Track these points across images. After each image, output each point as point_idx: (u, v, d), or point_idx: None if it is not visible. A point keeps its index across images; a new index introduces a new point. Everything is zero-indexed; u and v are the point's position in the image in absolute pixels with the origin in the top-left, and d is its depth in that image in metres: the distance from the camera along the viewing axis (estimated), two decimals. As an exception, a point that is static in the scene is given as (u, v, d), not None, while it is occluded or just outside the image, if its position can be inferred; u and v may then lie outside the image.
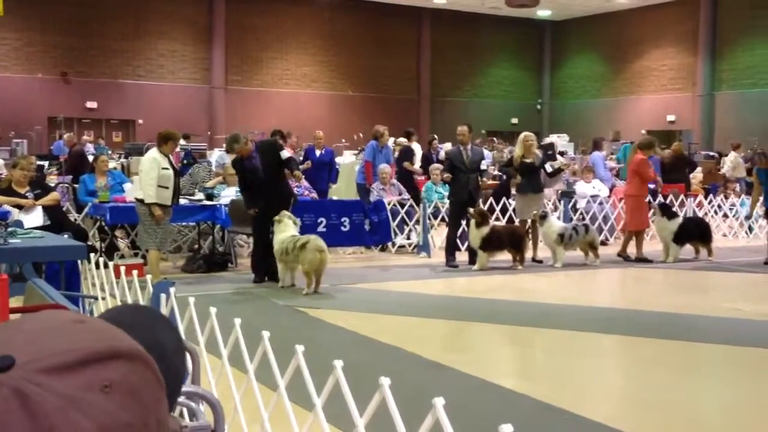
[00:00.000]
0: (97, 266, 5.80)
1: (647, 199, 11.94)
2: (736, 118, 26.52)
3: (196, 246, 10.89)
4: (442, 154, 15.25)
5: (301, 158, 13.62)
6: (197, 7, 27.66)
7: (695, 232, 11.76)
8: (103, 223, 10.28)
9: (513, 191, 12.15)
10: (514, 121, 33.05)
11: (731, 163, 19.20)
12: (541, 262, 11.23)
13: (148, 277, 5.28)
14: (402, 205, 12.45)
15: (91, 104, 26.41)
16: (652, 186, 12.50)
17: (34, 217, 8.86)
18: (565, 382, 5.73)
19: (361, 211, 11.70)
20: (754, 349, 6.64)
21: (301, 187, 12.04)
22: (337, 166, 14.94)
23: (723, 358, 6.47)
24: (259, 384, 3.84)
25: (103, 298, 5.50)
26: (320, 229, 11.06)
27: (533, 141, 11.54)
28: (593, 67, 32.32)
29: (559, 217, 12.07)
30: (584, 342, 6.93)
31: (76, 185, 11.64)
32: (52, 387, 0.75)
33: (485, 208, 13.03)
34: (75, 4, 25.65)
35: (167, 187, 8.94)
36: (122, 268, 5.35)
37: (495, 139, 23.40)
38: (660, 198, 13.10)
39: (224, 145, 11.20)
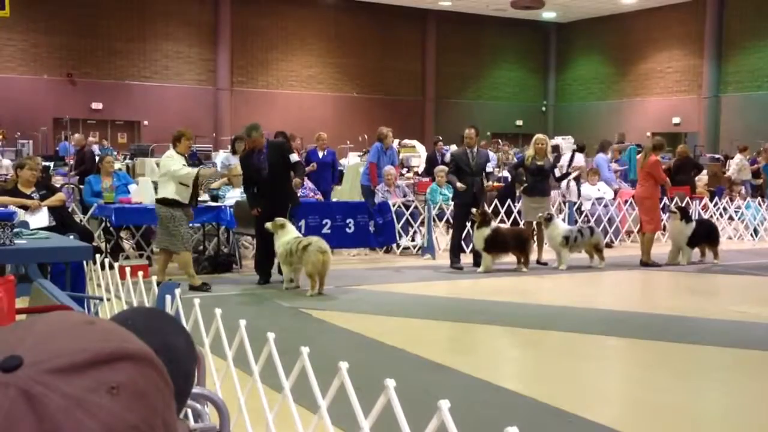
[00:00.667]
0: (103, 267, 5.81)
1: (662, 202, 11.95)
2: (742, 121, 26.47)
3: (201, 247, 10.89)
4: (447, 156, 15.26)
5: (304, 161, 13.62)
6: (203, 8, 27.71)
7: (704, 235, 11.76)
8: (109, 224, 10.29)
9: (518, 192, 12.15)
10: (519, 123, 33.04)
11: (737, 165, 19.15)
12: (546, 264, 11.22)
13: (154, 278, 5.29)
14: (407, 207, 12.45)
15: (97, 105, 26.46)
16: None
17: (40, 218, 8.88)
18: (570, 384, 5.72)
19: (365, 212, 11.70)
20: (759, 352, 6.63)
21: (306, 189, 12.05)
22: (340, 167, 14.95)
23: (728, 361, 6.46)
24: (263, 385, 3.84)
25: (109, 299, 5.51)
26: (325, 230, 11.06)
27: (545, 144, 11.53)
28: (598, 69, 32.28)
29: (564, 220, 12.06)
30: (589, 344, 6.92)
31: (81, 186, 11.66)
32: (58, 388, 0.75)
33: (489, 210, 13.07)
34: (81, 6, 25.70)
35: (187, 186, 8.95)
36: (127, 269, 5.35)
37: (500, 140, 23.38)
38: (676, 200, 13.03)
39: (231, 143, 11.17)
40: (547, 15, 31.47)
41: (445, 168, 12.49)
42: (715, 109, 27.83)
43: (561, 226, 11.20)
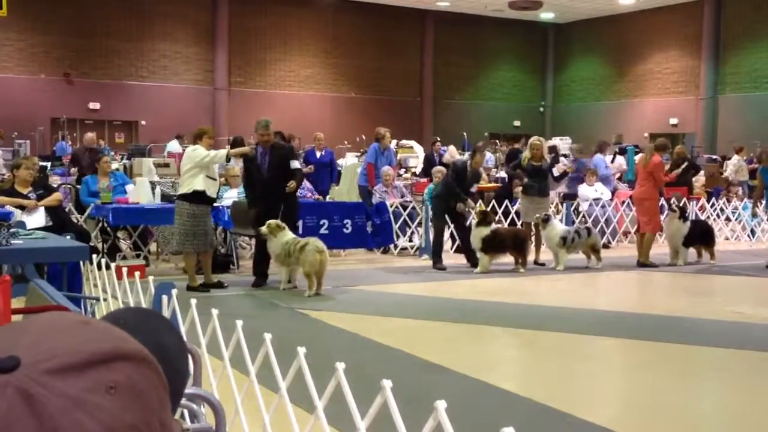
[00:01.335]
0: (99, 267, 5.80)
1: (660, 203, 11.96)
2: (739, 122, 26.50)
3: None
4: (446, 157, 15.27)
5: (302, 161, 13.62)
6: (201, 8, 27.69)
7: (699, 236, 11.77)
8: (106, 224, 10.28)
9: (515, 193, 12.17)
10: (517, 123, 33.05)
11: (734, 166, 19.18)
12: (543, 265, 11.23)
13: (150, 278, 5.28)
14: (404, 207, 12.45)
15: (94, 105, 26.44)
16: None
17: (37, 218, 8.86)
18: (567, 385, 5.72)
19: (363, 213, 11.70)
20: (756, 353, 6.64)
21: (304, 189, 12.04)
22: (338, 167, 14.96)
23: (725, 362, 6.47)
24: (260, 386, 3.84)
25: (105, 300, 5.50)
26: (322, 231, 11.06)
27: (542, 147, 11.56)
28: (596, 70, 32.31)
29: (561, 220, 12.06)
30: (586, 345, 6.92)
31: (78, 186, 11.65)
32: (56, 388, 0.75)
33: (487, 209, 13.07)
34: (78, 5, 25.68)
35: (215, 179, 8.90)
36: (124, 270, 5.35)
37: (497, 141, 23.39)
38: (674, 201, 13.04)
39: (230, 143, 11.12)
40: (545, 16, 31.49)
41: (443, 169, 12.50)
42: (712, 110, 27.86)
43: (558, 226, 11.20)
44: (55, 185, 11.49)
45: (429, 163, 15.61)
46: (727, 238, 14.56)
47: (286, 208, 9.17)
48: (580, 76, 32.99)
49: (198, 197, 8.76)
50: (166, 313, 4.25)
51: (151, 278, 5.24)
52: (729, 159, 20.56)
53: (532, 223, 11.38)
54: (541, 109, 34.30)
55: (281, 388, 3.57)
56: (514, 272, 10.65)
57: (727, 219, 15.13)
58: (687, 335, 7.24)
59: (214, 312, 4.08)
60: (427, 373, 5.77)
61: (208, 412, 2.37)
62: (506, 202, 13.02)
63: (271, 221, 8.86)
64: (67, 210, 10.28)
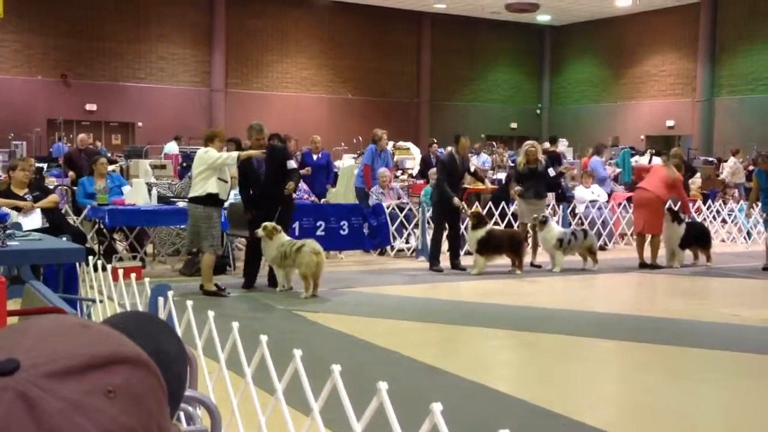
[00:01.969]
0: (96, 269, 5.79)
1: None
2: (736, 124, 26.55)
3: (195, 249, 10.87)
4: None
5: (298, 163, 13.61)
6: (198, 10, 27.68)
7: (696, 238, 11.79)
8: (102, 226, 10.27)
9: (513, 194, 12.19)
10: (514, 125, 33.07)
11: (730, 168, 19.22)
12: (539, 267, 11.24)
13: (146, 280, 5.27)
14: (401, 209, 12.45)
15: (91, 107, 26.41)
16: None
17: (33, 220, 8.85)
18: (563, 387, 5.72)
19: (359, 214, 11.70)
20: (752, 355, 6.64)
21: (300, 191, 12.04)
22: (335, 169, 14.95)
23: (721, 364, 6.47)
24: (256, 388, 3.84)
25: (101, 301, 5.50)
26: (319, 232, 11.06)
27: (535, 149, 11.57)
28: (593, 72, 32.35)
29: (558, 222, 12.07)
30: (582, 347, 6.93)
31: (75, 187, 11.63)
32: (56, 391, 0.75)
33: (484, 212, 13.09)
34: (75, 6, 25.66)
35: (226, 181, 8.87)
36: (120, 271, 5.34)
37: (494, 143, 23.40)
38: (669, 203, 13.06)
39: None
40: (542, 18, 31.52)
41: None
42: (708, 113, 27.90)
43: (555, 228, 11.21)
44: (51, 187, 11.48)
45: (426, 164, 15.62)
46: (723, 240, 14.58)
47: (282, 210, 9.16)
48: (576, 78, 33.03)
49: (211, 200, 8.73)
50: (162, 314, 4.25)
51: (147, 280, 5.24)
52: (725, 161, 20.61)
53: (529, 224, 11.40)
54: (538, 111, 34.33)
55: (277, 390, 3.56)
56: (511, 274, 10.65)
57: (724, 221, 15.15)
58: (683, 337, 7.25)
59: (210, 314, 4.07)
60: (423, 375, 5.77)
61: (203, 414, 2.37)
62: (503, 204, 13.02)
63: (268, 224, 8.85)
64: (63, 211, 10.27)
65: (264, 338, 3.65)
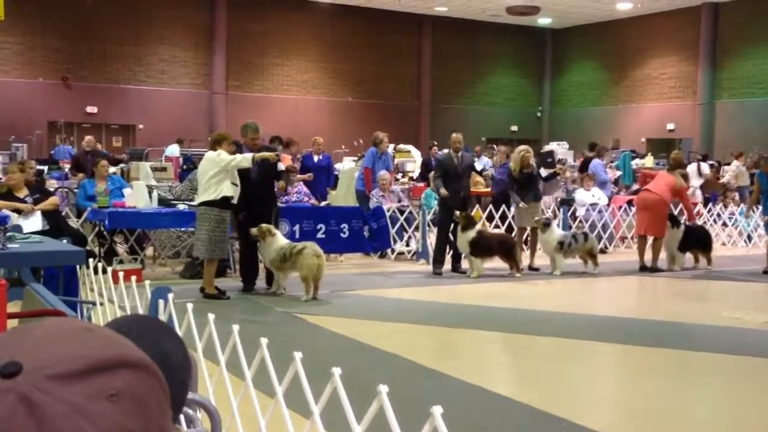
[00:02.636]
0: (96, 271, 5.79)
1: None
2: (736, 127, 26.54)
3: (194, 252, 10.87)
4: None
5: (298, 166, 13.61)
6: (199, 12, 27.69)
7: (696, 241, 11.78)
8: (102, 228, 10.27)
9: (515, 207, 12.20)
10: (514, 128, 33.07)
11: (733, 172, 19.21)
12: (538, 270, 11.23)
13: (147, 282, 5.27)
14: (401, 212, 12.45)
15: (92, 109, 26.41)
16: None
17: (33, 222, 8.85)
18: (563, 390, 5.72)
19: (360, 217, 11.70)
20: (752, 359, 6.63)
21: (301, 193, 12.04)
22: (336, 172, 14.95)
23: (722, 367, 6.46)
24: (256, 391, 3.83)
25: (102, 304, 5.49)
26: (319, 235, 11.06)
27: (530, 153, 11.58)
28: (593, 75, 32.35)
29: (558, 225, 12.08)
30: (582, 350, 6.92)
31: (75, 190, 11.63)
32: (58, 394, 0.75)
33: (484, 215, 13.10)
34: (76, 9, 25.67)
35: (237, 185, 8.75)
36: (121, 274, 5.34)
37: (495, 146, 23.40)
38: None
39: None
40: (543, 21, 31.52)
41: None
42: (709, 116, 27.90)
43: (556, 231, 11.22)
44: (51, 189, 11.48)
45: (426, 167, 15.62)
46: (723, 244, 14.57)
47: (273, 211, 9.22)
48: (577, 81, 33.03)
49: (225, 203, 8.66)
50: (162, 317, 4.24)
51: (147, 282, 5.24)
52: (726, 164, 20.60)
53: (528, 227, 11.40)
54: (539, 114, 34.33)
55: (277, 393, 3.56)
56: (510, 277, 10.65)
57: (724, 224, 15.15)
58: (683, 340, 7.25)
59: (211, 316, 4.07)
60: (423, 378, 5.77)
61: (203, 416, 2.36)
62: (503, 206, 13.02)
63: (263, 225, 8.83)
64: (63, 214, 10.27)
65: (264, 341, 3.65)
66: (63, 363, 0.76)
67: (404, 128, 29.01)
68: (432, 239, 11.91)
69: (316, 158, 13.87)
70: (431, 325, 7.83)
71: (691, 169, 18.14)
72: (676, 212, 12.30)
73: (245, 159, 8.64)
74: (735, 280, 11.02)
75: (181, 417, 2.34)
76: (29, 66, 25.52)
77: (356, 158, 18.50)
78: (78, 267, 6.20)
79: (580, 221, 13.39)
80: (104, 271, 5.66)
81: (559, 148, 21.23)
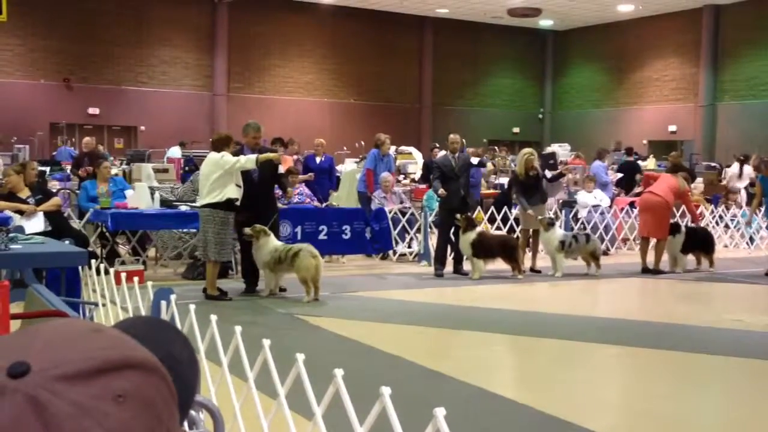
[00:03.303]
0: (98, 272, 5.79)
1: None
2: (738, 129, 26.52)
3: (197, 253, 10.87)
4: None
5: (301, 167, 13.62)
6: (200, 14, 27.71)
7: (699, 243, 11.78)
8: (105, 230, 10.27)
9: (514, 197, 12.18)
10: (516, 130, 33.06)
11: (735, 173, 19.17)
12: (539, 272, 11.23)
13: (149, 283, 5.27)
14: (403, 214, 12.45)
15: (93, 110, 26.43)
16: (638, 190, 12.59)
17: (36, 223, 8.86)
18: (566, 392, 5.71)
19: (362, 219, 11.70)
20: (754, 361, 6.63)
21: (303, 195, 12.04)
22: (337, 173, 14.96)
23: (724, 370, 6.46)
24: (259, 392, 3.83)
25: (104, 305, 5.49)
26: (321, 236, 11.06)
27: (534, 156, 11.58)
28: (595, 77, 32.35)
29: (560, 226, 12.07)
30: (585, 352, 6.92)
31: (77, 191, 11.64)
32: (66, 395, 0.75)
33: (486, 216, 13.10)
34: (78, 11, 25.70)
35: (240, 186, 8.73)
36: (123, 275, 5.34)
37: (496, 147, 23.40)
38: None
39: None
40: (544, 23, 31.52)
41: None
42: (711, 118, 27.88)
43: (558, 231, 11.23)
44: (53, 190, 11.49)
45: (428, 169, 15.60)
46: (726, 246, 14.56)
47: (273, 214, 9.22)
48: (579, 83, 33.03)
49: (230, 205, 8.65)
50: (164, 318, 4.24)
51: (149, 283, 5.24)
52: (728, 166, 20.58)
53: (531, 230, 11.40)
54: (540, 115, 34.32)
55: (280, 395, 3.56)
56: (512, 279, 10.64)
57: (726, 226, 15.14)
58: (686, 343, 7.24)
59: (213, 318, 4.07)
60: (425, 380, 5.76)
61: (206, 418, 2.36)
62: (505, 208, 13.02)
63: (257, 225, 8.82)
64: (66, 215, 10.27)
65: (267, 342, 3.65)
66: (70, 364, 0.76)
67: (406, 130, 29.00)
68: (433, 241, 11.91)
69: (318, 160, 13.88)
70: (433, 327, 7.82)
71: (733, 170, 18.17)
72: (677, 214, 12.31)
73: (249, 160, 8.62)
74: (737, 282, 11.01)
75: (184, 418, 2.33)
76: (31, 67, 25.54)
77: (358, 160, 18.50)
78: (80, 268, 6.21)
79: (582, 223, 13.39)
80: (106, 272, 5.66)
81: (561, 150, 21.20)
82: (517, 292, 10.03)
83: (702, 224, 13.94)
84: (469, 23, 31.23)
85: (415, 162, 18.86)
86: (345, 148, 23.24)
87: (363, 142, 22.18)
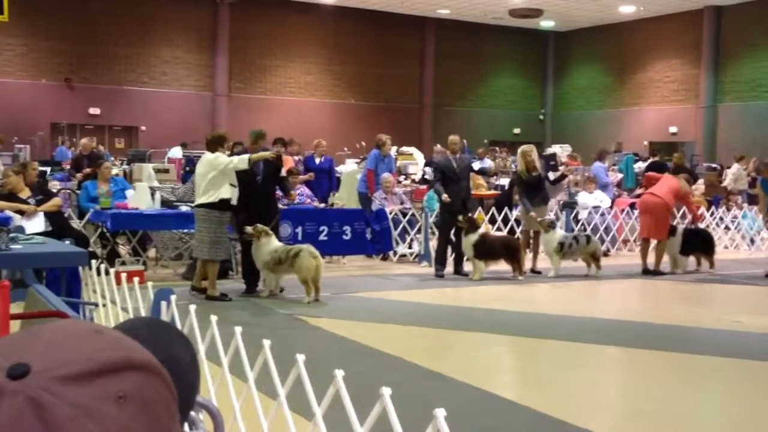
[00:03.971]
0: (98, 273, 5.80)
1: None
2: (739, 130, 26.51)
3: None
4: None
5: (302, 168, 13.62)
6: (202, 14, 27.72)
7: (699, 244, 11.77)
8: (105, 230, 10.27)
9: (516, 198, 12.18)
10: (517, 131, 33.05)
11: (733, 175, 19.19)
12: (540, 273, 11.22)
13: (149, 284, 5.27)
14: (404, 214, 12.45)
15: (94, 110, 26.43)
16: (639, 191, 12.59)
17: (36, 223, 8.86)
18: (566, 393, 5.71)
19: (362, 219, 11.70)
20: (754, 362, 6.63)
21: (303, 195, 12.04)
22: (337, 174, 14.96)
23: (724, 371, 6.45)
24: (259, 393, 3.83)
25: (104, 305, 5.50)
26: (321, 237, 11.06)
27: (532, 152, 11.53)
28: (596, 78, 32.34)
29: (561, 227, 12.07)
30: (585, 353, 6.91)
31: (78, 191, 11.64)
32: (66, 396, 0.75)
33: (487, 217, 13.10)
34: (79, 11, 25.71)
35: (235, 186, 8.75)
36: (123, 275, 5.34)
37: (497, 148, 23.40)
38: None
39: (230, 148, 11.01)
40: (546, 24, 31.51)
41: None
42: (712, 119, 27.87)
43: (558, 232, 11.24)
44: (54, 190, 11.49)
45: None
46: (726, 247, 14.55)
47: (275, 215, 9.21)
48: (580, 84, 33.02)
49: (224, 205, 8.68)
50: (164, 319, 4.24)
51: (150, 284, 5.24)
52: (728, 168, 20.58)
53: (532, 231, 11.39)
54: (541, 116, 34.32)
55: (280, 395, 3.56)
56: (512, 280, 10.64)
57: (727, 228, 15.13)
58: (686, 344, 7.24)
59: (213, 318, 4.07)
60: (426, 381, 5.76)
61: (206, 418, 2.36)
62: (506, 209, 13.02)
63: (258, 225, 8.83)
64: (66, 215, 10.27)
65: (267, 343, 3.65)
66: (71, 365, 0.76)
67: (407, 130, 28.98)
68: (434, 242, 11.91)
69: (318, 160, 13.88)
70: (434, 328, 7.82)
71: (733, 171, 18.16)
72: (678, 215, 12.31)
73: (242, 161, 8.67)
74: (737, 284, 11.01)
75: (184, 419, 2.33)
76: (32, 67, 25.55)
77: (358, 160, 18.50)
78: (80, 268, 6.21)
79: (583, 224, 13.39)
80: (107, 273, 5.67)
81: (562, 151, 21.20)
82: (518, 292, 10.02)
83: (702, 225, 13.95)
84: (471, 24, 31.23)
85: (415, 163, 18.85)
86: (346, 148, 23.23)
87: (364, 143, 22.17)
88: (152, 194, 10.63)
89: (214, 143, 8.92)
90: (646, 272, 11.38)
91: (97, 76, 26.42)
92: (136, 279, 5.30)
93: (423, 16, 30.63)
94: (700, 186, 17.26)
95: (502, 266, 10.83)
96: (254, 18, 28.17)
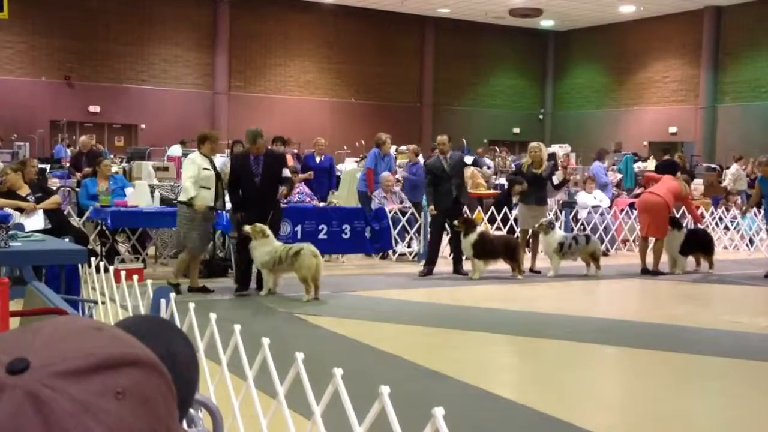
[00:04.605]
0: (98, 270, 5.79)
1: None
2: (739, 131, 26.52)
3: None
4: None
5: (299, 166, 13.62)
6: (201, 12, 27.71)
7: (699, 244, 11.77)
8: (104, 228, 10.27)
9: (514, 200, 12.16)
10: (516, 130, 33.07)
11: (732, 175, 19.19)
12: (539, 272, 11.22)
13: (148, 282, 5.27)
14: (403, 213, 12.45)
15: (94, 108, 26.43)
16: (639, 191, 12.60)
17: (35, 221, 8.86)
18: (566, 392, 5.71)
19: (362, 218, 11.70)
20: (753, 362, 6.63)
21: (303, 194, 12.04)
22: (337, 173, 14.95)
23: (723, 371, 6.46)
24: (258, 391, 3.83)
25: (103, 303, 5.49)
26: (321, 236, 11.06)
27: (539, 151, 11.49)
28: (596, 78, 32.35)
29: (560, 227, 12.08)
30: (584, 353, 6.92)
31: (77, 189, 11.64)
32: (65, 391, 0.75)
33: (486, 217, 13.10)
34: (79, 9, 25.70)
35: (209, 188, 8.91)
36: (122, 273, 5.34)
37: (497, 147, 23.41)
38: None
39: (230, 147, 11.10)
40: (546, 23, 31.53)
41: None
42: (711, 119, 27.88)
43: (558, 232, 11.24)
44: (53, 188, 11.49)
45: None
46: (725, 248, 14.56)
47: (274, 214, 9.19)
48: (579, 84, 33.03)
49: (191, 203, 8.94)
50: (163, 316, 4.24)
51: (149, 282, 5.24)
52: (728, 168, 20.59)
53: (530, 230, 11.39)
54: (541, 116, 34.33)
55: (279, 393, 3.56)
56: (512, 279, 10.64)
57: (726, 228, 15.14)
58: (685, 344, 7.24)
59: (212, 316, 4.07)
60: (425, 380, 5.76)
61: (205, 416, 2.36)
62: (505, 209, 13.01)
63: (257, 224, 8.83)
64: (66, 213, 10.27)
65: (266, 341, 3.64)
66: (70, 360, 0.77)
67: (406, 129, 28.99)
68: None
69: (318, 159, 13.87)
70: (433, 327, 7.82)
71: (732, 171, 18.16)
72: (678, 215, 12.30)
73: (185, 191, 8.93)
74: (736, 284, 11.01)
75: (183, 416, 2.33)
76: (32, 65, 25.54)
77: (358, 159, 18.50)
78: (80, 266, 6.21)
79: (582, 224, 13.39)
80: (106, 270, 5.66)
81: (561, 151, 21.20)
82: (517, 292, 10.02)
83: (701, 226, 13.95)
84: (471, 23, 31.23)
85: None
86: (345, 147, 23.24)
87: (363, 142, 22.18)
88: (152, 192, 10.63)
89: (199, 142, 9.31)
90: (646, 272, 11.38)
91: (97, 73, 26.42)
92: (135, 277, 5.29)
93: (423, 15, 30.63)
94: (699, 186, 17.26)
95: (502, 266, 10.83)
96: (254, 16, 28.16)
